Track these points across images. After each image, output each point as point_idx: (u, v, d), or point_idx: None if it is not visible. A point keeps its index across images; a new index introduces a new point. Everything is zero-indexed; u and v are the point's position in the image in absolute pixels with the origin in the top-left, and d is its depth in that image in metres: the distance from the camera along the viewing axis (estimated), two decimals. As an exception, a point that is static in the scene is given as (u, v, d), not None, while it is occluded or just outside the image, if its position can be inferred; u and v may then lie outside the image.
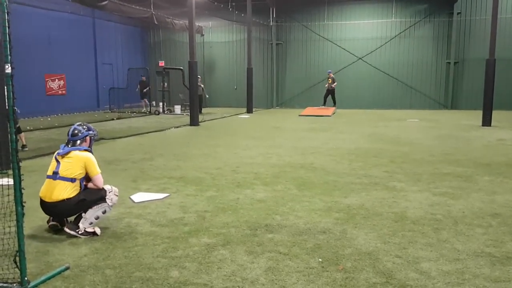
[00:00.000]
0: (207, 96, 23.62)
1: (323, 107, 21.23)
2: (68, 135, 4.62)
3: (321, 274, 3.55)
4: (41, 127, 14.70)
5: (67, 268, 3.65)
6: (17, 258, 3.22)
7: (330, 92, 21.08)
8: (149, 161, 8.71)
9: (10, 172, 3.27)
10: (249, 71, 21.73)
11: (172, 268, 3.69)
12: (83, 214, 4.42)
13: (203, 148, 10.31)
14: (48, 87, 19.52)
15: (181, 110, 21.29)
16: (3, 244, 3.64)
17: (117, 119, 18.03)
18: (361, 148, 10.16)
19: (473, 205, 5.53)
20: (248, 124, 16.45)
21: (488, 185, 6.56)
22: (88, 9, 19.22)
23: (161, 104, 21.62)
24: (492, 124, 14.80)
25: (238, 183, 6.79)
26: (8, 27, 3.12)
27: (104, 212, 4.51)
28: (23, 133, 10.23)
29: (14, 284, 3.26)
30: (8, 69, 3.15)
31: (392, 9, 23.20)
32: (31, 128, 13.92)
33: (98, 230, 4.48)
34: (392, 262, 3.78)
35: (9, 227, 3.60)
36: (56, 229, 4.57)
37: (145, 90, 21.75)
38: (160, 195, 6.02)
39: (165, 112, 21.17)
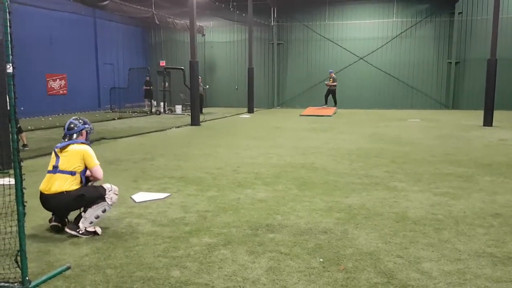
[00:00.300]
0: (207, 86, 23.51)
1: (324, 106, 21.21)
2: (64, 129, 4.67)
3: (322, 274, 3.55)
4: (42, 126, 14.71)
5: (68, 268, 3.65)
6: (18, 258, 3.22)
7: (331, 92, 21.06)
8: (150, 161, 8.71)
9: (12, 171, 3.27)
10: (250, 71, 21.73)
11: (173, 268, 3.69)
12: (82, 214, 4.43)
13: (204, 148, 10.31)
14: (49, 86, 19.54)
15: (182, 110, 21.29)
16: (4, 244, 3.65)
17: (118, 119, 18.04)
18: (362, 148, 10.15)
19: (474, 205, 5.52)
20: (249, 124, 16.45)
21: (489, 185, 6.56)
22: (89, 9, 19.23)
23: (162, 104, 21.63)
24: (493, 124, 14.78)
25: (239, 183, 6.79)
26: (10, 27, 3.12)
27: (104, 211, 4.51)
28: (24, 132, 10.23)
29: (15, 284, 3.26)
30: (9, 68, 3.15)
31: (393, 9, 23.18)
32: (32, 127, 13.94)
33: (99, 230, 4.48)
34: (393, 262, 3.78)
35: (11, 226, 3.60)
36: (57, 230, 4.57)
37: (147, 88, 21.73)
38: (161, 195, 6.03)
39: (166, 112, 21.17)
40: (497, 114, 15.43)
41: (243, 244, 4.22)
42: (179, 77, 21.71)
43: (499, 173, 7.40)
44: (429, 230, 4.60)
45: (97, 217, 4.47)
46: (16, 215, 3.24)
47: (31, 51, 17.41)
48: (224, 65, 26.31)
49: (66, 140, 4.59)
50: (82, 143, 4.59)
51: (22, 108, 20.75)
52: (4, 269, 3.43)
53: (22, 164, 3.22)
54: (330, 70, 21.69)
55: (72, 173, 4.43)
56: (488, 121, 14.86)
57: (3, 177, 6.49)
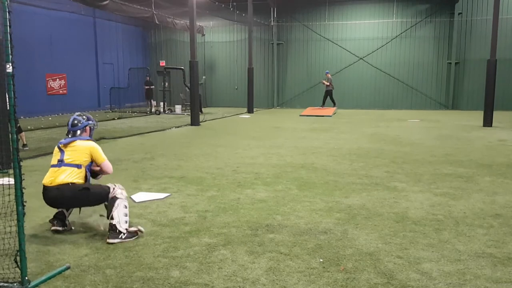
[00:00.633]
0: (204, 77, 23.42)
1: (322, 107, 21.22)
2: (68, 125, 4.63)
3: (322, 275, 3.54)
4: (42, 126, 14.71)
5: (67, 268, 3.64)
6: (18, 258, 3.22)
7: (328, 93, 21.06)
8: (150, 160, 8.71)
9: (11, 171, 3.27)
10: (250, 71, 21.73)
11: (173, 268, 3.68)
12: (111, 221, 4.28)
13: (204, 148, 10.30)
14: (49, 86, 19.53)
15: (182, 110, 21.29)
16: (3, 244, 3.65)
17: (118, 118, 18.03)
18: (362, 148, 10.15)
19: (474, 205, 5.52)
20: (249, 124, 16.45)
21: (489, 186, 6.55)
22: (89, 8, 19.22)
23: (162, 103, 21.63)
24: (493, 125, 14.78)
25: (239, 183, 6.79)
26: (9, 27, 3.12)
27: (126, 207, 4.42)
28: (23, 132, 10.23)
29: (15, 284, 3.26)
30: (9, 68, 3.15)
31: (393, 9, 23.19)
32: (32, 127, 13.93)
33: (141, 228, 4.45)
34: (393, 262, 3.78)
35: (10, 226, 3.60)
36: (58, 233, 4.53)
37: (148, 88, 21.72)
38: (161, 195, 6.02)
39: (166, 112, 21.17)
40: (497, 115, 15.44)
41: (243, 244, 4.21)
42: (179, 77, 21.72)
43: (499, 174, 7.40)
44: (429, 230, 4.59)
45: (125, 215, 4.38)
46: (16, 215, 3.23)
47: (31, 50, 17.41)
48: (224, 65, 26.31)
49: (69, 136, 4.56)
50: (88, 139, 4.58)
51: None
52: (3, 269, 3.42)
53: (21, 164, 3.22)
54: (327, 71, 21.69)
55: (78, 166, 4.40)
56: (488, 122, 14.87)
57: (3, 177, 6.49)
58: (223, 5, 21.18)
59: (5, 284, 3.27)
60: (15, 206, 3.23)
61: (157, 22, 20.17)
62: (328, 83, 20.87)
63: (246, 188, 6.43)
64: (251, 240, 4.31)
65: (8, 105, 3.16)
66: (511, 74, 21.43)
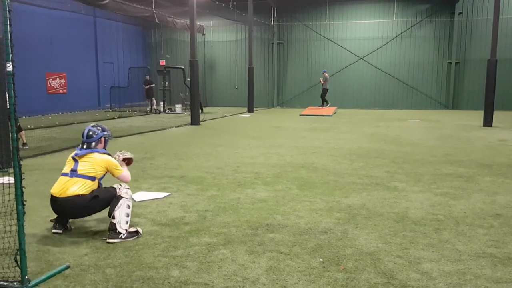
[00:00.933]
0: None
1: (322, 107, 21.22)
2: (83, 137, 4.55)
3: (322, 274, 3.54)
4: (42, 125, 14.71)
5: (67, 267, 3.64)
6: (18, 257, 3.22)
7: (323, 91, 21.04)
8: (150, 160, 8.70)
9: (11, 170, 3.26)
10: (250, 71, 21.73)
11: (173, 267, 3.68)
12: (112, 220, 4.28)
13: (204, 148, 10.30)
14: (49, 85, 19.53)
15: (182, 109, 21.28)
16: (3, 243, 3.64)
17: (118, 118, 18.03)
18: (362, 148, 10.15)
19: (474, 205, 5.52)
20: (249, 124, 16.44)
21: (489, 186, 6.55)
22: (89, 8, 19.22)
23: (162, 103, 21.62)
24: (493, 125, 14.78)
25: (239, 182, 6.79)
26: (10, 26, 3.12)
27: (129, 207, 4.42)
28: (23, 131, 10.22)
29: (15, 283, 3.25)
30: (9, 67, 3.14)
31: (394, 9, 23.18)
32: (32, 126, 13.93)
33: (140, 229, 4.45)
34: (393, 262, 3.77)
35: (10, 225, 3.59)
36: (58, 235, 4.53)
37: (147, 87, 21.70)
38: (161, 194, 6.02)
39: (166, 111, 21.17)
40: (497, 115, 15.44)
41: (243, 243, 4.21)
42: (179, 77, 21.71)
43: (500, 174, 7.39)
44: (429, 230, 4.59)
45: (127, 215, 4.37)
46: (16, 214, 3.23)
47: (31, 50, 17.40)
48: (224, 64, 26.30)
49: (84, 147, 4.50)
50: (104, 152, 4.53)
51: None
52: (3, 268, 3.42)
53: (21, 163, 3.22)
54: (324, 70, 21.65)
55: (92, 179, 4.35)
56: (488, 122, 14.87)
57: (3, 176, 6.48)
58: (223, 5, 21.18)
59: (5, 283, 3.27)
60: (15, 205, 3.23)
61: (157, 22, 20.16)
62: (323, 82, 20.88)
63: (246, 188, 6.43)
64: (251, 240, 4.31)
65: (8, 104, 3.16)
66: (511, 74, 21.41)
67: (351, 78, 24.03)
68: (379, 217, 5.03)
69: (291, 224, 4.80)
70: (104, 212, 4.60)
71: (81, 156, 4.42)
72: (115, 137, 12.00)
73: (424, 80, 23.33)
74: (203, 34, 25.68)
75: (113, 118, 17.76)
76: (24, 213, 3.24)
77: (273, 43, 25.19)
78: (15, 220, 3.25)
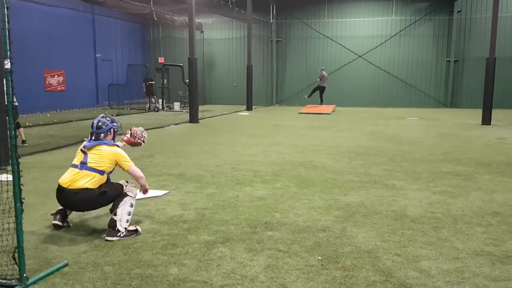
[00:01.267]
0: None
1: (321, 105, 21.22)
2: (92, 127, 4.48)
3: (320, 272, 3.55)
4: (40, 123, 14.67)
5: (66, 265, 3.64)
6: (16, 255, 3.21)
7: (320, 88, 21.01)
8: (148, 158, 8.69)
9: (9, 168, 3.26)
10: (249, 68, 21.70)
11: (172, 265, 3.68)
12: (113, 217, 4.28)
13: (202, 146, 10.29)
14: (47, 83, 19.47)
15: (181, 107, 21.26)
16: (1, 241, 3.64)
17: (117, 115, 17.96)
18: (361, 146, 10.15)
19: (472, 204, 5.52)
20: (247, 122, 16.44)
21: (488, 184, 6.56)
22: (87, 5, 19.14)
23: (160, 101, 21.58)
24: (492, 123, 14.80)
25: (237, 180, 6.79)
26: (8, 23, 3.11)
27: (131, 206, 4.41)
28: (22, 128, 10.20)
29: (13, 281, 3.25)
30: (7, 64, 3.13)
31: (393, 7, 23.15)
32: (30, 124, 13.90)
33: (139, 228, 4.44)
34: (392, 260, 3.78)
35: (8, 223, 3.59)
36: (58, 228, 4.51)
37: (148, 83, 21.61)
38: (160, 192, 6.02)
39: (165, 109, 21.14)
40: (496, 113, 15.46)
41: (241, 241, 4.21)
42: (178, 74, 21.66)
43: (498, 172, 7.41)
44: (427, 228, 4.60)
45: (129, 214, 4.37)
46: (14, 212, 3.23)
47: (29, 47, 17.33)
48: (223, 62, 26.26)
49: (93, 138, 4.44)
50: (113, 144, 4.49)
51: (16, 103, 20.75)
52: (1, 266, 3.42)
53: (20, 160, 3.21)
54: (322, 68, 21.61)
55: (101, 172, 4.32)
56: (486, 120, 14.88)
57: (1, 173, 6.46)
58: (222, 2, 21.13)
59: (3, 281, 3.26)
60: (13, 203, 3.22)
61: (155, 19, 20.12)
62: (319, 79, 20.86)
63: (245, 186, 6.43)
64: (250, 238, 4.31)
65: (6, 101, 3.15)
66: (510, 72, 21.43)
67: (350, 76, 24.02)
68: (377, 215, 5.04)
69: (290, 222, 4.80)
70: (103, 210, 4.61)
71: (89, 148, 4.37)
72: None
73: (423, 78, 23.33)
74: (202, 32, 25.63)
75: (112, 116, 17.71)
76: (22, 210, 3.24)
77: (272, 41, 25.16)
78: (13, 218, 3.25)
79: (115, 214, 4.29)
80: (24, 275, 3.25)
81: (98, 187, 4.32)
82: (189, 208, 5.33)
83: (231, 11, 22.32)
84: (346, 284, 3.34)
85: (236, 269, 3.60)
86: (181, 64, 21.39)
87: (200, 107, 17.38)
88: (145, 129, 5.40)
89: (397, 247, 4.07)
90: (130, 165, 4.50)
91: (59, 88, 20.06)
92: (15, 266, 3.25)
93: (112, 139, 4.61)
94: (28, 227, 4.43)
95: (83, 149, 4.41)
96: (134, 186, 4.56)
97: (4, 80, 3.14)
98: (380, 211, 5.19)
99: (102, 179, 4.37)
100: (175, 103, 21.56)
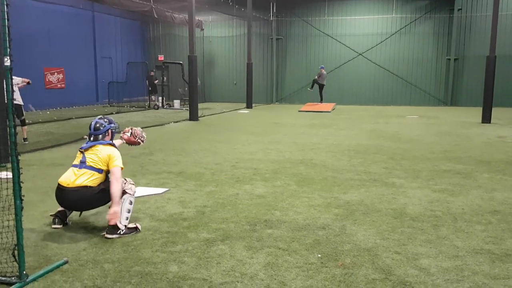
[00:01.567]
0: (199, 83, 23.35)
1: (321, 103, 21.21)
2: (90, 129, 4.55)
3: (320, 270, 3.55)
4: (40, 120, 14.67)
5: (65, 262, 3.64)
6: (16, 252, 3.21)
7: (319, 86, 21.01)
8: (148, 155, 8.69)
9: (9, 165, 3.26)
10: (249, 66, 21.67)
11: (171, 262, 3.68)
12: None
13: (202, 143, 10.29)
14: (47, 80, 19.46)
15: (181, 105, 21.25)
16: (1, 238, 3.63)
17: (116, 113, 17.98)
18: (361, 145, 10.15)
19: (472, 202, 5.53)
20: (247, 120, 16.43)
21: (487, 182, 6.56)
22: (87, 2, 19.11)
23: (160, 98, 21.57)
24: (492, 121, 14.79)
25: (237, 178, 6.79)
26: (8, 20, 3.10)
27: (131, 203, 4.42)
28: (26, 126, 10.21)
29: (13, 278, 3.25)
30: (7, 62, 3.13)
31: (393, 5, 23.12)
32: (30, 121, 13.88)
33: (139, 225, 4.44)
34: (391, 258, 3.78)
35: (8, 220, 3.59)
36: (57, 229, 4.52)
37: (156, 82, 21.53)
38: (160, 190, 6.02)
39: (164, 107, 21.12)
40: (496, 111, 15.45)
41: (241, 239, 4.21)
42: (178, 72, 21.63)
43: (498, 170, 7.41)
44: (427, 226, 4.60)
45: (128, 211, 4.38)
46: (14, 209, 3.22)
47: (29, 44, 17.31)
48: (223, 60, 26.23)
49: (91, 139, 4.49)
50: (108, 144, 4.51)
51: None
52: (1, 263, 3.42)
53: (19, 158, 3.20)
54: (322, 66, 21.57)
55: (100, 171, 4.36)
56: (486, 118, 14.88)
57: (1, 170, 6.46)
58: (222, 0, 21.10)
59: (3, 278, 3.27)
60: (13, 200, 3.22)
61: (155, 16, 20.06)
62: (316, 77, 20.84)
63: (244, 184, 6.43)
64: (250, 236, 4.31)
65: (6, 99, 3.14)
66: (510, 71, 21.41)
67: (350, 74, 24.00)
68: (377, 213, 5.04)
69: (290, 220, 4.81)
70: (103, 207, 4.60)
71: (86, 149, 4.43)
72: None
73: (423, 76, 23.31)
74: (202, 29, 25.58)
75: (111, 114, 17.71)
76: (22, 208, 3.24)
77: (272, 38, 25.13)
78: (13, 215, 3.25)
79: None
80: (24, 272, 3.25)
81: (97, 185, 4.35)
82: (189, 206, 5.33)
83: (231, 8, 22.27)
84: (346, 282, 3.34)
85: (236, 266, 3.61)
86: (181, 62, 21.36)
87: (200, 105, 17.38)
88: (145, 127, 5.43)
89: (397, 245, 4.07)
90: (117, 165, 4.39)
91: (59, 85, 20.05)
92: (15, 263, 3.25)
93: (110, 140, 4.64)
94: (27, 224, 4.43)
95: (81, 149, 4.48)
96: (133, 184, 4.57)
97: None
98: (379, 209, 5.19)
99: (101, 177, 4.40)
100: (175, 101, 21.55)
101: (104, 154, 4.40)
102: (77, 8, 20.44)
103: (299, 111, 19.65)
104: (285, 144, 10.17)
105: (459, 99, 22.89)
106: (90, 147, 4.44)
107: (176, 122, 15.14)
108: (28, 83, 10.21)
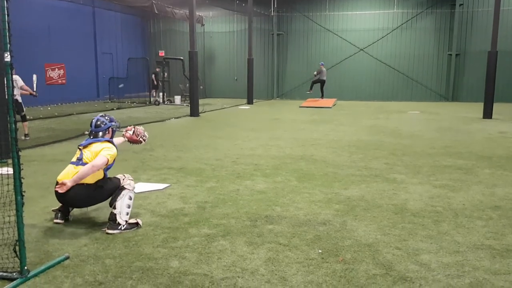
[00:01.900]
0: (201, 87, 23.42)
1: (322, 98, 21.18)
2: (91, 126, 4.57)
3: (321, 265, 3.55)
4: (41, 116, 14.67)
5: (67, 258, 3.65)
6: (17, 248, 3.22)
7: (320, 82, 20.94)
8: (149, 151, 8.69)
9: (10, 161, 3.26)
10: (250, 62, 21.64)
11: (172, 258, 3.69)
12: (113, 210, 4.29)
13: (203, 139, 10.29)
14: (48, 76, 19.45)
15: (181, 100, 21.23)
16: (2, 234, 3.64)
17: (117, 109, 17.97)
18: (362, 140, 10.14)
19: (473, 197, 5.52)
20: (248, 115, 16.42)
21: (488, 178, 6.56)
22: (88, -2, 19.11)
23: (161, 94, 21.55)
24: (493, 117, 14.76)
25: (238, 174, 6.79)
26: (8, 15, 3.09)
27: (130, 198, 4.43)
28: (27, 122, 10.22)
29: (14, 273, 3.26)
30: (7, 57, 3.12)
31: (394, 0, 23.03)
32: (31, 117, 13.87)
33: (140, 221, 4.45)
34: (392, 253, 3.78)
35: (9, 216, 3.59)
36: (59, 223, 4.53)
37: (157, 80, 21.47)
38: (161, 186, 6.02)
39: (165, 103, 21.11)
40: (497, 107, 15.41)
41: (242, 235, 4.22)
42: (178, 68, 21.59)
43: (499, 166, 7.40)
44: (428, 222, 4.60)
45: (128, 207, 4.39)
46: (15, 205, 3.23)
47: (29, 40, 17.29)
48: (224, 55, 26.19)
49: (91, 137, 4.53)
50: (106, 140, 4.52)
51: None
52: (2, 259, 3.43)
53: (20, 153, 3.20)
54: (321, 62, 21.51)
55: None
56: (488, 114, 14.85)
57: (2, 166, 6.47)
58: (223, -5, 21.05)
59: (4, 274, 3.27)
60: (14, 196, 3.23)
61: (156, 12, 20.05)
62: (315, 74, 20.79)
63: (245, 180, 6.43)
64: (250, 231, 4.32)
65: (6, 95, 3.14)
66: (511, 66, 21.39)
67: (351, 69, 23.96)
68: (378, 209, 5.04)
69: (290, 215, 4.81)
70: (103, 203, 4.60)
71: (85, 146, 4.47)
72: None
73: (424, 72, 23.26)
74: (203, 25, 25.53)
75: (112, 109, 17.70)
76: (23, 203, 3.24)
77: (273, 34, 25.07)
78: (14, 211, 3.25)
79: (114, 208, 4.30)
80: (25, 268, 3.26)
81: (94, 182, 4.35)
82: (189, 201, 5.33)
83: (232, 3, 22.22)
84: (346, 277, 3.35)
85: (237, 262, 3.61)
86: (181, 58, 21.32)
87: (201, 101, 17.36)
88: (146, 123, 5.47)
89: (398, 241, 4.08)
90: (103, 154, 4.33)
91: (59, 81, 20.04)
92: (16, 259, 3.25)
93: (111, 138, 4.65)
94: (28, 220, 4.44)
95: (79, 147, 4.50)
96: (132, 179, 4.58)
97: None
98: (380, 205, 5.19)
99: (98, 174, 4.39)
100: (175, 97, 21.53)
101: (98, 148, 4.42)
102: (77, 4, 20.40)
103: (300, 106, 19.63)
104: (286, 140, 10.16)
105: (460, 94, 22.84)
106: (89, 144, 4.47)
107: (177, 118, 15.13)
108: (33, 95, 10.36)
